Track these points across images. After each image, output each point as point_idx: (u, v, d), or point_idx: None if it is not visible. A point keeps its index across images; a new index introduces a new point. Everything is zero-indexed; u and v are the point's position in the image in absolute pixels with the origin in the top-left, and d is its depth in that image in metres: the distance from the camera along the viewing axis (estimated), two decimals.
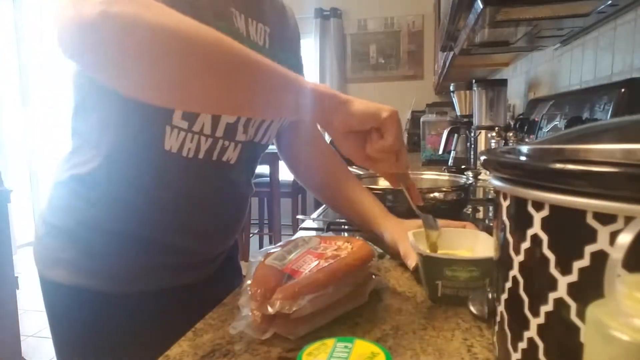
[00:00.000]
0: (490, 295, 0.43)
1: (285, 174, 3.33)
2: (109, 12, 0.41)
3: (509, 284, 0.34)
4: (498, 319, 0.37)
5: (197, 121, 0.62)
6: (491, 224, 0.84)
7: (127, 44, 0.42)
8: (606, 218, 0.25)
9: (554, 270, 0.29)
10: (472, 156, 1.94)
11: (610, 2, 0.90)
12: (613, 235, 0.25)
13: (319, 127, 0.53)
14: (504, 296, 0.35)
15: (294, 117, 0.53)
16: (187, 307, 0.66)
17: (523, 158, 0.33)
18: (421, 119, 2.55)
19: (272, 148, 0.89)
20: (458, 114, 2.32)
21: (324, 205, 1.19)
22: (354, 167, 1.29)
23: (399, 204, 0.91)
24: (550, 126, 1.26)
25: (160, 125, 0.60)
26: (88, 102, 0.63)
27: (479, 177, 1.52)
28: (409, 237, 0.63)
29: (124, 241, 0.65)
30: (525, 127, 1.48)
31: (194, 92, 0.46)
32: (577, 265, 0.27)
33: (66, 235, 0.65)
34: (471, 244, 0.64)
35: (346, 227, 0.97)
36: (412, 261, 0.64)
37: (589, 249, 0.26)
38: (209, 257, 0.76)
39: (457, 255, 0.59)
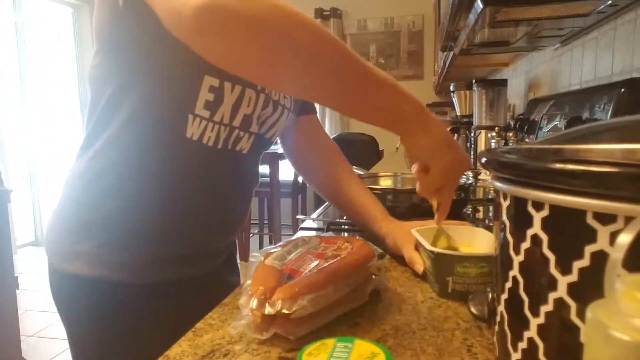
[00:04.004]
0: (490, 295, 0.43)
1: (285, 174, 3.33)
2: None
3: (509, 284, 0.34)
4: (498, 319, 0.37)
5: (218, 111, 0.64)
6: (491, 224, 0.84)
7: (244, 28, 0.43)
8: (606, 218, 0.25)
9: (554, 270, 0.29)
10: (472, 156, 1.94)
11: (610, 2, 0.90)
12: (613, 235, 0.25)
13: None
14: (504, 296, 0.35)
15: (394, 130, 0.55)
16: (196, 298, 0.68)
17: (523, 158, 0.33)
18: None
19: (273, 148, 0.90)
20: (458, 114, 2.33)
21: (324, 205, 1.19)
22: (354, 167, 1.29)
23: (399, 204, 0.91)
24: (550, 126, 1.26)
25: (183, 114, 0.63)
26: (108, 96, 0.65)
27: (479, 177, 1.52)
28: (415, 236, 0.63)
29: (141, 233, 0.67)
30: (525, 127, 1.48)
31: (313, 85, 0.49)
32: (577, 265, 0.27)
33: (84, 228, 0.67)
34: (469, 240, 0.66)
35: (346, 227, 0.97)
36: (419, 266, 0.64)
37: (589, 249, 0.26)
38: (219, 248, 0.79)
39: (468, 252, 0.61)
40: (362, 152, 3.67)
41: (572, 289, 0.28)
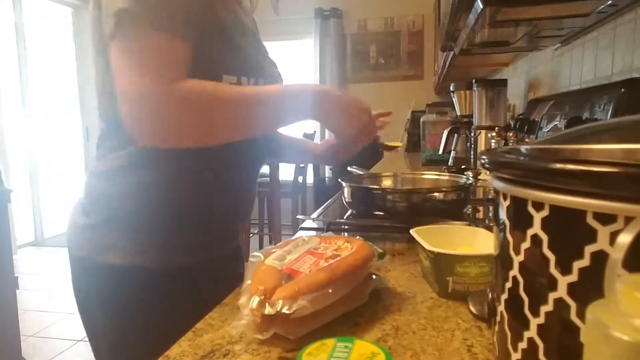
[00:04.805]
0: (490, 295, 0.43)
1: (286, 174, 3.34)
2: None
3: (509, 284, 0.34)
4: (498, 319, 0.37)
5: None
6: (491, 224, 0.84)
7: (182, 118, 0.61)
8: (606, 218, 0.25)
9: (554, 270, 0.29)
10: (472, 156, 1.93)
11: (610, 2, 0.90)
12: (613, 235, 0.25)
13: None
14: (504, 296, 0.35)
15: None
16: (217, 280, 0.73)
17: (523, 158, 0.33)
18: (421, 119, 2.55)
19: None
20: (458, 114, 2.32)
21: (324, 205, 1.19)
22: (354, 167, 1.30)
23: (399, 204, 0.91)
24: (550, 126, 1.26)
25: None
26: None
27: (479, 177, 1.52)
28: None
29: (167, 221, 0.71)
30: (525, 127, 1.48)
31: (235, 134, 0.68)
32: (577, 265, 0.27)
33: (114, 220, 0.70)
34: (470, 240, 0.66)
35: (346, 227, 0.97)
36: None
37: (589, 249, 0.26)
38: (235, 232, 0.86)
39: (468, 252, 0.60)
40: (362, 152, 3.66)
41: (572, 289, 0.28)
